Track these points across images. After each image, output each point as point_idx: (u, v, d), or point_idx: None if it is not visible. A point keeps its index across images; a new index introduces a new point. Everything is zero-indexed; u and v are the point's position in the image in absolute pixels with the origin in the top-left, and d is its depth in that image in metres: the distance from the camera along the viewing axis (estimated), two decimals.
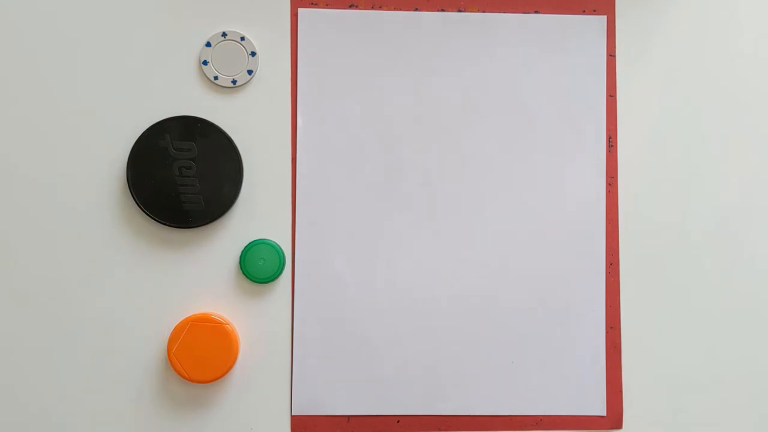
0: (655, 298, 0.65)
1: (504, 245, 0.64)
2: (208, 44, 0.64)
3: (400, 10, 0.65)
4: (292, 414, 0.63)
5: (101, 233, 0.63)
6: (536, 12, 0.65)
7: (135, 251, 0.63)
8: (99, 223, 0.63)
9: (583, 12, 0.65)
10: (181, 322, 0.61)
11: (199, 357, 0.61)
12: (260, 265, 0.63)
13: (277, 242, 0.63)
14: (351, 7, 0.65)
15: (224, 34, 0.64)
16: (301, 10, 0.64)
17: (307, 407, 0.63)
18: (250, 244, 0.63)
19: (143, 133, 0.62)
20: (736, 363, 0.65)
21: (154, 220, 0.62)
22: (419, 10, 0.65)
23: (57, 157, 0.63)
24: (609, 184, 0.65)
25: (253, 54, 0.64)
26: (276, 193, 0.64)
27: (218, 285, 0.63)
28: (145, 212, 0.62)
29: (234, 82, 0.64)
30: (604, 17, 0.65)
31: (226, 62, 0.64)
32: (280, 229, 0.64)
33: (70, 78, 0.64)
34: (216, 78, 0.64)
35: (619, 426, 0.65)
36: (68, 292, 0.63)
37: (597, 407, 0.64)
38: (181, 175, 0.62)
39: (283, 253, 0.63)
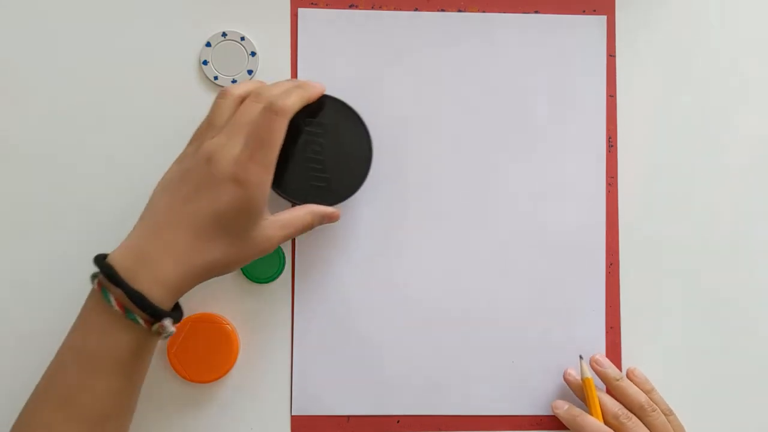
0: (655, 298, 0.65)
1: (504, 245, 0.64)
2: (208, 44, 0.64)
3: (400, 10, 0.65)
4: (292, 414, 0.63)
5: (101, 233, 0.63)
6: (536, 12, 0.65)
7: None
8: (94, 223, 0.63)
9: (583, 12, 0.65)
10: (181, 322, 0.61)
11: (199, 357, 0.61)
12: (260, 265, 0.63)
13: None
14: (351, 7, 0.65)
15: (224, 34, 0.64)
16: (301, 10, 0.64)
17: (307, 407, 0.63)
18: None
19: None
20: (736, 363, 0.65)
21: None
22: (419, 10, 0.65)
23: (61, 160, 0.63)
24: (609, 184, 0.65)
25: (253, 54, 0.64)
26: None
27: (218, 285, 0.63)
28: None
29: (234, 82, 0.64)
30: (604, 17, 0.65)
31: (226, 62, 0.64)
32: None
33: (70, 78, 0.64)
34: (216, 78, 0.64)
35: None
36: (67, 292, 0.63)
37: None
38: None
39: (283, 253, 0.63)
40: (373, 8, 0.65)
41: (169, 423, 0.63)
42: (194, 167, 0.54)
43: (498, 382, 0.64)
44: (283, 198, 0.60)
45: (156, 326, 0.52)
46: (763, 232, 0.66)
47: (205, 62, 0.64)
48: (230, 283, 0.63)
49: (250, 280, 0.63)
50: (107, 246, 0.63)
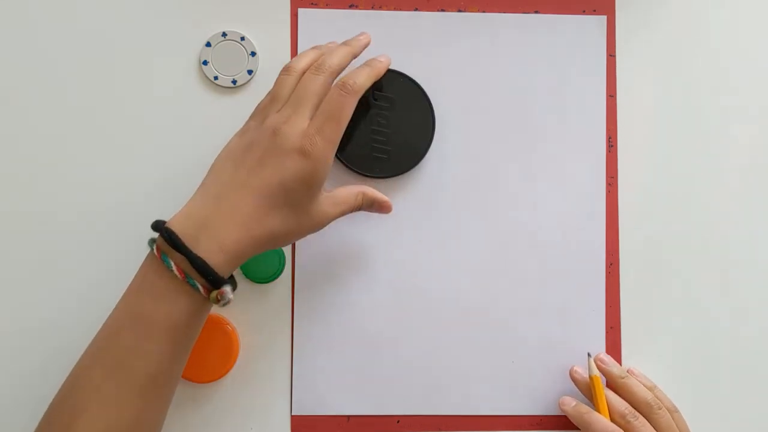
0: (655, 298, 0.65)
1: (503, 245, 0.64)
2: (208, 44, 0.64)
3: (400, 10, 0.65)
4: (292, 414, 0.63)
5: (101, 231, 0.63)
6: (536, 12, 0.65)
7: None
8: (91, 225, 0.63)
9: (583, 12, 0.65)
10: None
11: (199, 357, 0.61)
12: (260, 265, 0.63)
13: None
14: (351, 7, 0.65)
15: (224, 34, 0.64)
16: (301, 10, 0.64)
17: (307, 407, 0.63)
18: None
19: None
20: (737, 362, 0.65)
21: None
22: (419, 10, 0.65)
23: (60, 160, 0.63)
24: (609, 184, 0.65)
25: (253, 54, 0.64)
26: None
27: None
28: None
29: (234, 82, 0.64)
30: (604, 17, 0.65)
31: (226, 62, 0.64)
32: None
33: (69, 78, 0.64)
34: (216, 78, 0.64)
35: None
36: (66, 290, 0.63)
37: None
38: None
39: (283, 253, 0.63)
40: (373, 8, 0.65)
41: (169, 423, 0.62)
42: (259, 139, 0.54)
43: (498, 382, 0.64)
44: (344, 165, 0.61)
45: (215, 293, 0.52)
46: (763, 232, 0.66)
47: (205, 62, 0.64)
48: None
49: (250, 280, 0.63)
50: (109, 245, 0.63)
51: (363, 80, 0.57)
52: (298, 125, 0.54)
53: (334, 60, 0.57)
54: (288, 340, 0.64)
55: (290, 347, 0.64)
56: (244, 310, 0.63)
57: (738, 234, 0.66)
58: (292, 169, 0.53)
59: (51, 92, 0.64)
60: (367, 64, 0.59)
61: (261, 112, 0.57)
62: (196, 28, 0.64)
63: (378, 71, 0.59)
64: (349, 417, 0.64)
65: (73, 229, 0.63)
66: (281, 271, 0.63)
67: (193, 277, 0.52)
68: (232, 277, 0.55)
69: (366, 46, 0.61)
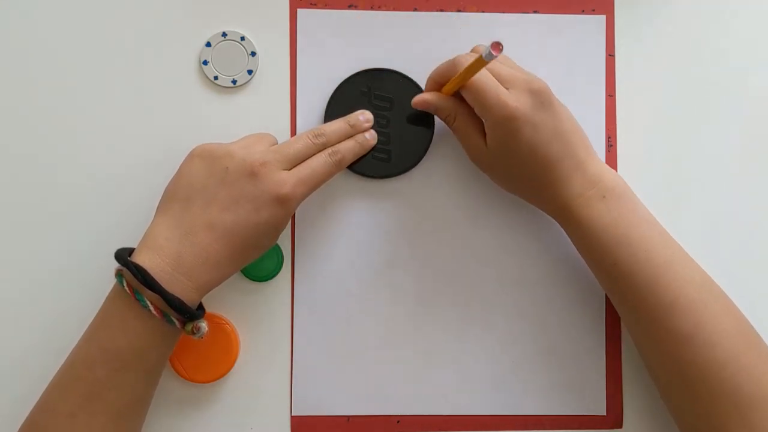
0: None
1: (504, 244, 0.64)
2: (208, 44, 0.64)
3: (399, 10, 0.65)
4: (292, 414, 0.63)
5: (101, 231, 0.63)
6: (535, 12, 0.65)
7: None
8: (102, 221, 0.63)
9: (582, 12, 0.65)
10: None
11: (199, 357, 0.61)
12: (258, 264, 0.63)
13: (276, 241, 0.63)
14: (350, 7, 0.65)
15: (224, 34, 0.64)
16: (300, 11, 0.64)
17: (307, 407, 0.63)
18: None
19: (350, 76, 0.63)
20: None
21: None
22: (418, 10, 0.65)
23: (60, 160, 0.63)
24: None
25: (253, 54, 0.64)
26: None
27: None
28: None
29: (234, 82, 0.64)
30: (603, 17, 0.66)
31: (226, 62, 0.64)
32: None
33: (69, 78, 0.64)
34: (216, 78, 0.64)
35: (619, 426, 0.64)
36: (65, 286, 0.63)
37: (597, 407, 0.64)
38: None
39: (281, 251, 0.63)
40: (372, 8, 0.65)
41: (169, 423, 0.63)
42: (237, 176, 0.55)
43: (498, 382, 0.64)
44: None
45: (190, 327, 0.54)
46: (763, 233, 0.66)
47: (205, 62, 0.64)
48: (230, 283, 0.63)
49: (249, 278, 0.63)
50: (109, 243, 0.63)
51: (350, 158, 0.60)
52: (279, 174, 0.56)
53: (333, 138, 0.59)
54: (288, 340, 0.64)
55: (290, 347, 0.64)
56: (244, 310, 0.64)
57: (738, 234, 0.66)
58: (266, 216, 0.55)
59: (50, 92, 0.64)
60: (356, 140, 0.60)
61: (251, 143, 0.58)
62: (196, 28, 0.64)
63: (365, 149, 0.61)
64: (349, 417, 0.64)
65: (72, 228, 0.63)
66: (279, 269, 0.63)
67: (170, 314, 0.53)
68: (200, 305, 0.56)
69: (367, 129, 0.62)
